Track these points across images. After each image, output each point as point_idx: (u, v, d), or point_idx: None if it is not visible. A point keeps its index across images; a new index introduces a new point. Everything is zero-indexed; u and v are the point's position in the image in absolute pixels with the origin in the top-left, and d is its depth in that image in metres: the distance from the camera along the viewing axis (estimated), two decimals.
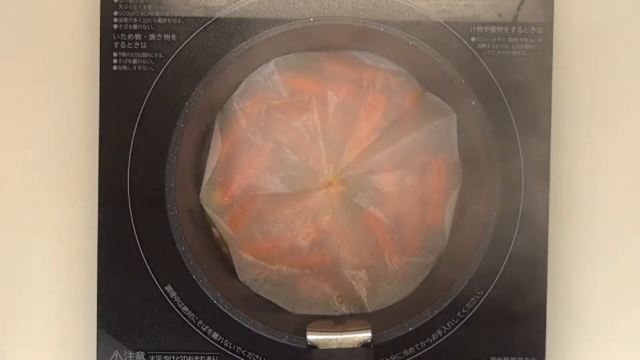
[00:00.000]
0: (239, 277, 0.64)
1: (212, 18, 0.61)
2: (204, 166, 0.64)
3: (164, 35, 0.61)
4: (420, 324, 0.60)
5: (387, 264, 0.65)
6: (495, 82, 0.61)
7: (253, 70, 0.64)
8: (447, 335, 0.61)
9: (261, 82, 0.64)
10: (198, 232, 0.64)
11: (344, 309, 0.64)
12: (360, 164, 0.64)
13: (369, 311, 0.64)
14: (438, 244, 0.65)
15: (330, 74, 0.65)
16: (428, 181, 0.64)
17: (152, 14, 0.61)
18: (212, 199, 0.64)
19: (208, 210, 0.64)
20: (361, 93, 0.65)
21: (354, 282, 0.64)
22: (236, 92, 0.64)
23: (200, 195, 0.64)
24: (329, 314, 0.64)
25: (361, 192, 0.64)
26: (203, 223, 0.65)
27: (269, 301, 0.64)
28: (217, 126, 0.64)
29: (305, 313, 0.64)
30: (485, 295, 0.61)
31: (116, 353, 0.61)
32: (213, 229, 0.65)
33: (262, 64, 0.64)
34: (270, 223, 0.64)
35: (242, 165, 0.64)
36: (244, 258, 0.64)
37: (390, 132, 0.64)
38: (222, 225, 0.64)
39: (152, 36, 0.61)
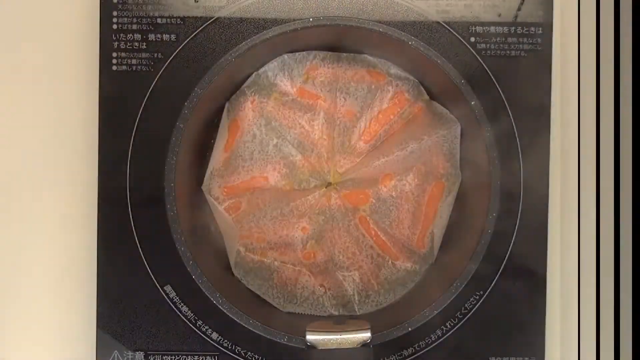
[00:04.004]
0: (233, 271, 0.64)
1: (212, 18, 0.61)
2: (204, 166, 0.64)
3: (164, 35, 0.61)
4: (420, 324, 0.60)
5: (380, 268, 0.65)
6: (495, 82, 0.61)
7: (252, 72, 0.64)
8: (446, 335, 0.61)
9: (271, 77, 0.65)
10: (198, 232, 0.64)
11: (332, 310, 0.64)
12: (361, 167, 0.64)
13: (358, 314, 0.64)
14: (431, 252, 0.65)
15: (340, 75, 0.65)
16: (426, 190, 0.65)
17: (151, 14, 0.61)
18: (213, 188, 0.64)
19: (209, 199, 0.64)
20: (369, 97, 0.65)
21: (345, 284, 0.64)
22: (245, 84, 0.64)
23: (204, 184, 0.64)
24: (318, 314, 0.64)
25: (359, 196, 0.64)
26: (203, 223, 0.65)
27: (268, 302, 0.64)
28: (225, 115, 0.64)
29: (294, 311, 0.64)
30: (485, 295, 0.61)
31: (116, 353, 0.61)
32: (212, 228, 0.65)
33: (266, 63, 0.64)
34: (267, 217, 0.64)
35: (245, 158, 0.64)
36: (239, 251, 0.64)
37: (394, 139, 0.65)
38: (222, 213, 0.64)
39: (151, 36, 0.61)
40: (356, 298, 0.64)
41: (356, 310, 0.64)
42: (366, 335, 0.57)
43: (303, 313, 0.64)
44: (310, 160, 0.65)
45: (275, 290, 0.64)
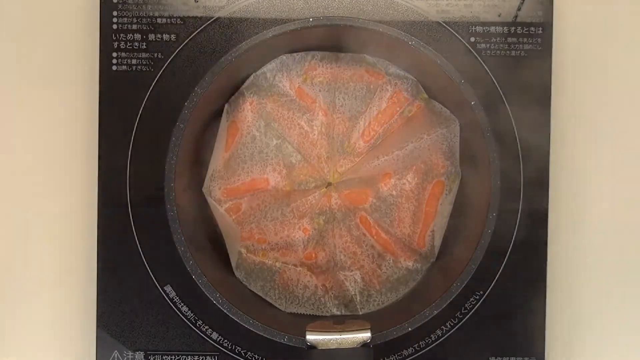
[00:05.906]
0: (235, 272, 0.64)
1: (212, 18, 0.61)
2: (204, 166, 0.64)
3: (164, 35, 0.61)
4: (420, 324, 0.60)
5: (381, 267, 0.65)
6: (495, 82, 0.61)
7: (251, 72, 0.64)
8: (446, 335, 0.61)
9: (269, 78, 0.65)
10: (197, 232, 0.64)
11: (334, 310, 0.64)
12: (361, 167, 0.64)
13: (360, 313, 0.64)
14: (432, 251, 0.65)
15: (339, 75, 0.65)
16: (426, 188, 0.65)
17: (151, 14, 0.61)
18: (214, 189, 0.64)
19: (210, 200, 0.64)
20: (368, 97, 0.65)
21: (347, 284, 0.64)
22: (244, 85, 0.64)
23: (204, 185, 0.64)
24: (319, 314, 0.64)
25: (360, 195, 0.64)
26: (203, 223, 0.65)
27: (268, 302, 0.64)
28: (224, 117, 0.64)
29: (296, 312, 0.64)
30: (485, 295, 0.61)
31: (116, 353, 0.61)
32: (212, 228, 0.65)
33: (265, 63, 0.64)
34: (268, 218, 0.64)
35: (245, 159, 0.64)
36: (241, 252, 0.64)
37: (393, 139, 0.65)
38: (223, 215, 0.64)
39: (151, 36, 0.61)
40: (358, 298, 0.64)
41: (358, 309, 0.64)
42: (366, 335, 0.57)
43: (305, 313, 0.64)
44: (310, 160, 0.65)
45: (277, 291, 0.64)
